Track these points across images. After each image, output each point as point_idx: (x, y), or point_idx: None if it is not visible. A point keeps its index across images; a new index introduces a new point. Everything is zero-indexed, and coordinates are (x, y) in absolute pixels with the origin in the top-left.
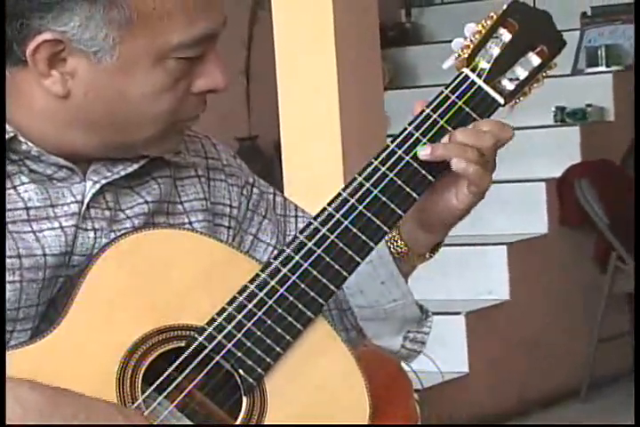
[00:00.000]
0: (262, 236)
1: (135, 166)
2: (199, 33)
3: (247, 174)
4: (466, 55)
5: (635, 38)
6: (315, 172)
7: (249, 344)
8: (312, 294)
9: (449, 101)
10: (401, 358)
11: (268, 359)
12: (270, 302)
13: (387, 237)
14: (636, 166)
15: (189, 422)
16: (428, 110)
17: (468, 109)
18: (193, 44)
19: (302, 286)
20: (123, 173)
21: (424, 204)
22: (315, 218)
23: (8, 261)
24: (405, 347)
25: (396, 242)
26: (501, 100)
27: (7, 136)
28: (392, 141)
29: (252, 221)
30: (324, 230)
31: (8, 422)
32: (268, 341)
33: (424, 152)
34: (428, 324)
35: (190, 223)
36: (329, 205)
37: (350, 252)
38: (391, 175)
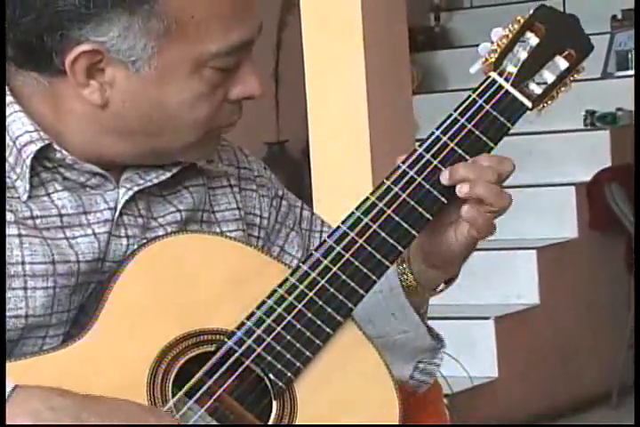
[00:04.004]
0: (288, 248)
1: (168, 174)
2: (236, 41)
3: (277, 187)
4: (493, 59)
5: (635, 41)
6: (343, 176)
7: (279, 348)
8: (341, 297)
9: (476, 105)
10: (410, 389)
11: (298, 364)
12: (299, 306)
13: (398, 270)
14: (636, 167)
15: None
16: (455, 114)
17: (495, 113)
18: (230, 53)
19: (331, 289)
20: (156, 181)
21: (427, 244)
22: (342, 222)
23: (42, 267)
24: (414, 378)
25: (407, 275)
26: (529, 104)
27: (42, 144)
28: (420, 146)
29: (280, 233)
30: (352, 234)
31: None
32: (298, 345)
33: (442, 176)
34: (439, 355)
35: (222, 233)
36: (356, 209)
37: (379, 256)
38: (419, 179)
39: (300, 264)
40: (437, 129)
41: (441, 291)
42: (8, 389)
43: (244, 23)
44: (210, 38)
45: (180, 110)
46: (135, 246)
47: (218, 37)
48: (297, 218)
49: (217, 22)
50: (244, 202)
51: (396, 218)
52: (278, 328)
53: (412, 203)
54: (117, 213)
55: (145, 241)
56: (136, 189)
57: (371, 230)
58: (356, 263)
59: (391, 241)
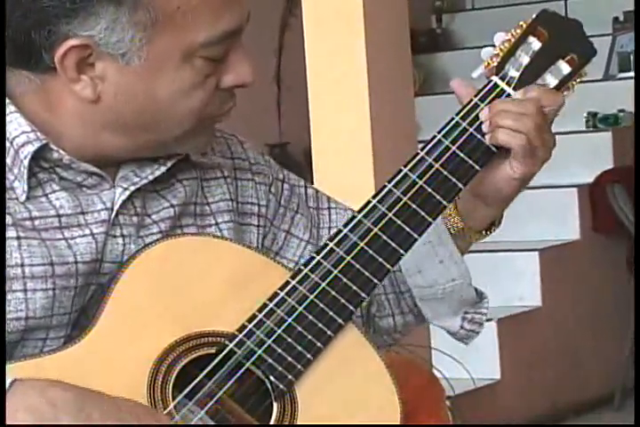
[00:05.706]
0: (295, 231)
1: (163, 169)
2: (224, 29)
3: (276, 171)
4: (495, 63)
5: (635, 42)
6: (345, 178)
7: (280, 351)
8: (342, 300)
9: (478, 109)
10: (459, 339)
11: (299, 366)
12: (300, 309)
13: (443, 214)
14: (636, 168)
15: None
16: (457, 118)
17: None
18: (219, 41)
19: (332, 293)
20: (151, 178)
21: (481, 175)
22: (344, 225)
23: (41, 268)
24: (464, 328)
25: (453, 218)
26: None
27: (39, 144)
28: (422, 149)
29: (285, 217)
30: (354, 238)
31: (41, 422)
32: (299, 347)
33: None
34: (484, 305)
35: (217, 224)
36: (359, 212)
37: (380, 259)
38: (421, 183)
39: (302, 267)
40: (439, 132)
41: (484, 236)
42: (7, 383)
43: (232, 12)
44: (197, 28)
45: (172, 101)
46: (131, 245)
47: (205, 27)
48: (302, 199)
49: (204, 12)
50: (239, 192)
51: (398, 221)
52: (279, 331)
53: (414, 206)
54: (114, 213)
55: (145, 244)
56: (132, 188)
57: (372, 233)
58: (358, 266)
59: (392, 244)
